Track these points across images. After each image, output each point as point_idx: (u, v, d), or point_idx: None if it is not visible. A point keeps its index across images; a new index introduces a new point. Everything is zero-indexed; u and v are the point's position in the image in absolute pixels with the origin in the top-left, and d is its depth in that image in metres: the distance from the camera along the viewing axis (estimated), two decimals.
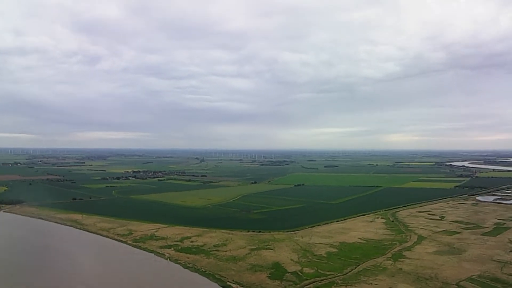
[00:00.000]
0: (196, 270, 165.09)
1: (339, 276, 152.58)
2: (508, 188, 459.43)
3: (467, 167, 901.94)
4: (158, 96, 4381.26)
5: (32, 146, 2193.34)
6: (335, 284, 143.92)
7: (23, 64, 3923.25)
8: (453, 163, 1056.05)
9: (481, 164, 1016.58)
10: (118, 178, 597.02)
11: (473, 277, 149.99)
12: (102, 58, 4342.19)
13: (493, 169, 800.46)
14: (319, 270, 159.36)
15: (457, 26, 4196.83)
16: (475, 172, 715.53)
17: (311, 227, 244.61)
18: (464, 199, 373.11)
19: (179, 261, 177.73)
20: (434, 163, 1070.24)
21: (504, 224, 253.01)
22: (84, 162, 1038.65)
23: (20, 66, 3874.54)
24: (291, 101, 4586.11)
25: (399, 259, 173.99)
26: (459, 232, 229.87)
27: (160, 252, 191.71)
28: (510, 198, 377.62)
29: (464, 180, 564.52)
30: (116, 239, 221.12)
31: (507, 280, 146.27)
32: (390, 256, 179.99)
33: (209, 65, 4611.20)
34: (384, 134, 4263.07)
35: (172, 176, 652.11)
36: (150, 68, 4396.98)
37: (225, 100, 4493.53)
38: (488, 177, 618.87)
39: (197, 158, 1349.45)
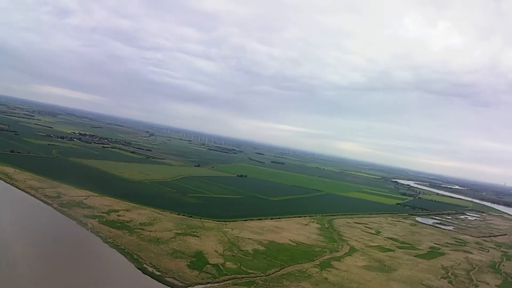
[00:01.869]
0: (115, 247, 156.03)
1: (261, 276, 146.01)
2: (448, 214, 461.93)
3: (412, 186, 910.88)
4: (122, 63, 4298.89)
5: None
6: (255, 284, 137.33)
7: None
8: (398, 180, 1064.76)
9: (426, 186, 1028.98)
10: (62, 137, 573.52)
11: None
12: (72, 13, 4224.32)
13: (437, 193, 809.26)
14: (241, 267, 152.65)
15: (429, 50, 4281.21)
16: (419, 193, 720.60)
17: (244, 220, 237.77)
18: (403, 218, 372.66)
19: (100, 234, 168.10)
20: (380, 177, 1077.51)
21: (439, 249, 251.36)
22: (34, 116, 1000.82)
23: None
24: (252, 92, 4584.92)
25: (326, 268, 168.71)
26: (393, 250, 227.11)
27: (83, 222, 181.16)
28: (449, 224, 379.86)
29: (406, 199, 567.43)
30: (42, 200, 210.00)
31: None
32: (318, 263, 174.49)
33: (177, 41, 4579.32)
34: (337, 140, 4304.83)
35: (117, 145, 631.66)
36: (119, 32, 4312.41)
37: (187, 78, 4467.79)
38: (431, 200, 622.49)
39: (147, 132, 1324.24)
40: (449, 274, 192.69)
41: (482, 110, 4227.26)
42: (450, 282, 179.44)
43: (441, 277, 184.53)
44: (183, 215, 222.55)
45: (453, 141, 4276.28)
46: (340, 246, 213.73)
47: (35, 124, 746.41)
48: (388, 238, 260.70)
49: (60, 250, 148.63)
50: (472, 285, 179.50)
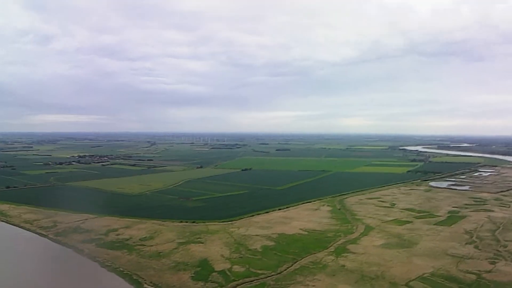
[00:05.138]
0: (114, 270, 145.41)
1: (272, 276, 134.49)
2: (462, 174, 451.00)
3: (420, 151, 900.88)
4: (112, 78, 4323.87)
5: None
6: (265, 286, 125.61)
7: None
8: (406, 148, 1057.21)
9: (435, 149, 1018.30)
10: (61, 163, 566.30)
11: (425, 275, 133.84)
12: (54, 38, 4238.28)
13: (447, 154, 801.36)
14: (250, 269, 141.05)
15: (416, 12, 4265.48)
16: (429, 157, 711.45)
17: (251, 216, 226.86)
18: (417, 185, 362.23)
19: (97, 258, 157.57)
20: (387, 147, 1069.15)
21: (458, 212, 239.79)
22: (32, 147, 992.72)
23: None
24: (247, 84, 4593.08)
25: (342, 254, 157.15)
26: (411, 222, 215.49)
27: (80, 248, 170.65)
28: (465, 184, 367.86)
29: (417, 165, 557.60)
30: (37, 232, 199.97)
31: (464, 279, 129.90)
32: (332, 250, 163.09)
33: (163, 46, 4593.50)
34: (339, 118, 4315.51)
35: (117, 160, 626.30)
36: (104, 48, 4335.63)
37: (180, 82, 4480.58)
38: (442, 162, 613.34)
39: (148, 142, 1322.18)
40: (474, 238, 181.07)
41: (477, 65, 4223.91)
42: (476, 247, 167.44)
43: (466, 243, 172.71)
44: (186, 222, 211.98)
45: (453, 99, 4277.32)
46: (354, 227, 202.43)
47: (33, 155, 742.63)
48: (404, 209, 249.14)
49: (54, 283, 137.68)
50: (500, 247, 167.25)
